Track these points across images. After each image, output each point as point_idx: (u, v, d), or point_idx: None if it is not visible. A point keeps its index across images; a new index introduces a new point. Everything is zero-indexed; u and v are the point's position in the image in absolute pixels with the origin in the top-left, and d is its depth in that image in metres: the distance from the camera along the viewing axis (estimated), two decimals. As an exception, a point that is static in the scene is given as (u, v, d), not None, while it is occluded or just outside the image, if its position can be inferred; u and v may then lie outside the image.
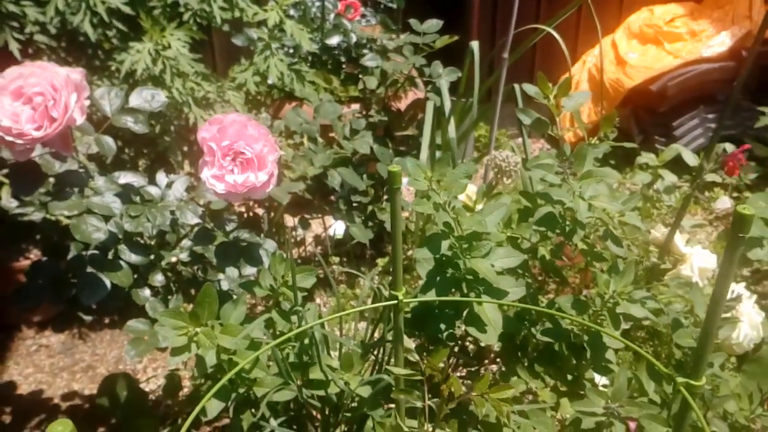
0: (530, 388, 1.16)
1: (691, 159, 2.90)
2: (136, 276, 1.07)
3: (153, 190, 1.09)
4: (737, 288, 1.46)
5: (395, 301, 0.72)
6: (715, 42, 2.96)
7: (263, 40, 1.89)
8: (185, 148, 1.91)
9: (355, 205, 2.00)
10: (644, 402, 1.03)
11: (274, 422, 1.08)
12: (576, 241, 1.12)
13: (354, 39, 2.48)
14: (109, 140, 1.03)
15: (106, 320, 2.04)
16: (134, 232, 1.02)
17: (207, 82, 1.82)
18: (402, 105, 2.15)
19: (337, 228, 2.30)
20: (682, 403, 0.58)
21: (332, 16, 2.58)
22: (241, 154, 0.99)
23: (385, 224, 1.95)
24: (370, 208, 2.02)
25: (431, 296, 0.98)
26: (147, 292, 1.08)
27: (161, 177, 1.15)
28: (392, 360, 0.99)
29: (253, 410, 1.10)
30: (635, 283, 1.35)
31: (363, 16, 2.63)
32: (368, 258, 2.13)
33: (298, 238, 2.23)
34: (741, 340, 1.35)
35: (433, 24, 1.92)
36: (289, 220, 2.05)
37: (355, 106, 2.11)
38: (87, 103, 0.95)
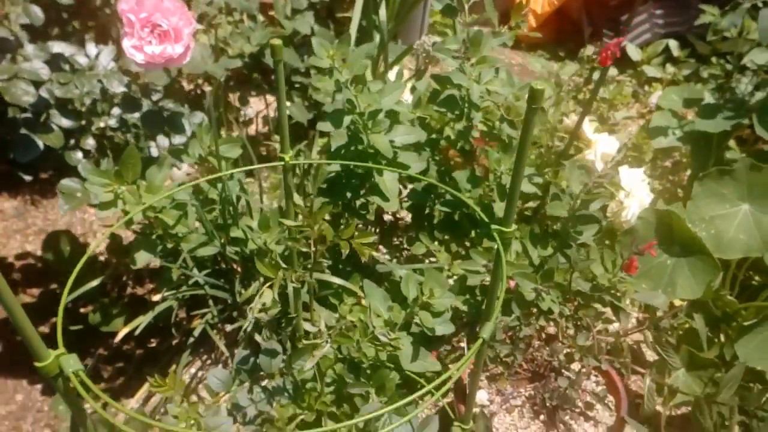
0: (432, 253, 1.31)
1: (634, 53, 2.99)
2: (69, 140, 1.16)
3: (82, 60, 1.15)
4: (636, 171, 1.60)
5: (282, 163, 0.84)
6: (670, -65, 2.96)
7: None
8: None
9: (296, 86, 2.06)
10: (521, 263, 1.19)
11: (197, 273, 1.22)
12: (475, 123, 1.23)
13: None
14: (36, 9, 1.08)
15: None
16: (64, 98, 1.10)
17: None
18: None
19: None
20: (498, 246, 0.72)
21: None
22: (158, 26, 1.06)
23: (323, 106, 2.03)
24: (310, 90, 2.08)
25: (334, 167, 1.09)
26: (79, 154, 1.18)
27: (91, 47, 1.21)
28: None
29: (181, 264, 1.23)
30: (538, 166, 1.49)
31: None
32: (311, 138, 2.22)
33: (246, 118, 2.31)
34: (629, 218, 1.50)
35: None
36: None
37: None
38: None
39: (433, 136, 1.31)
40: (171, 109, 1.21)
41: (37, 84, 1.05)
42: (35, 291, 1.79)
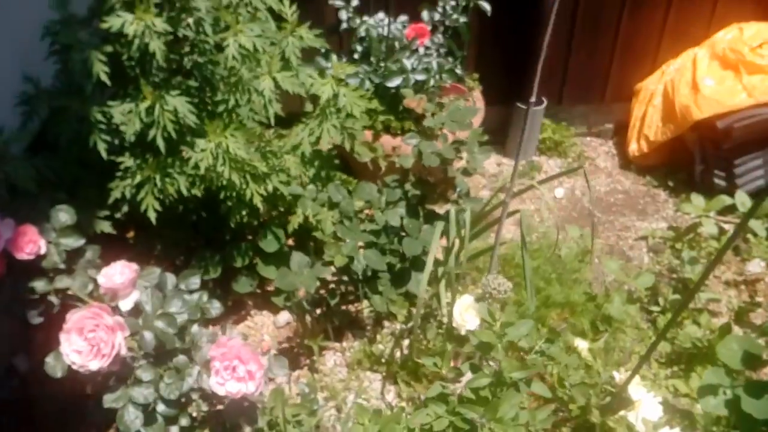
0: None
1: (740, 204, 2.91)
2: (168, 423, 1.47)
3: (181, 359, 1.45)
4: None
5: None
6: (793, 86, 2.85)
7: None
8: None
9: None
10: None
11: None
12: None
13: (413, 81, 2.64)
14: (149, 336, 1.39)
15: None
16: (169, 399, 1.41)
17: (262, 161, 2.08)
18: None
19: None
20: None
21: (398, 45, 2.72)
22: (236, 371, 1.34)
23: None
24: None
25: None
26: (175, 429, 1.49)
27: (199, 336, 1.50)
28: None
29: None
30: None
31: (427, 48, 2.74)
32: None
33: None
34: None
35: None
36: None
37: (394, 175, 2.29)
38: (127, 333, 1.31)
39: None
40: (249, 399, 1.49)
41: (144, 406, 1.37)
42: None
